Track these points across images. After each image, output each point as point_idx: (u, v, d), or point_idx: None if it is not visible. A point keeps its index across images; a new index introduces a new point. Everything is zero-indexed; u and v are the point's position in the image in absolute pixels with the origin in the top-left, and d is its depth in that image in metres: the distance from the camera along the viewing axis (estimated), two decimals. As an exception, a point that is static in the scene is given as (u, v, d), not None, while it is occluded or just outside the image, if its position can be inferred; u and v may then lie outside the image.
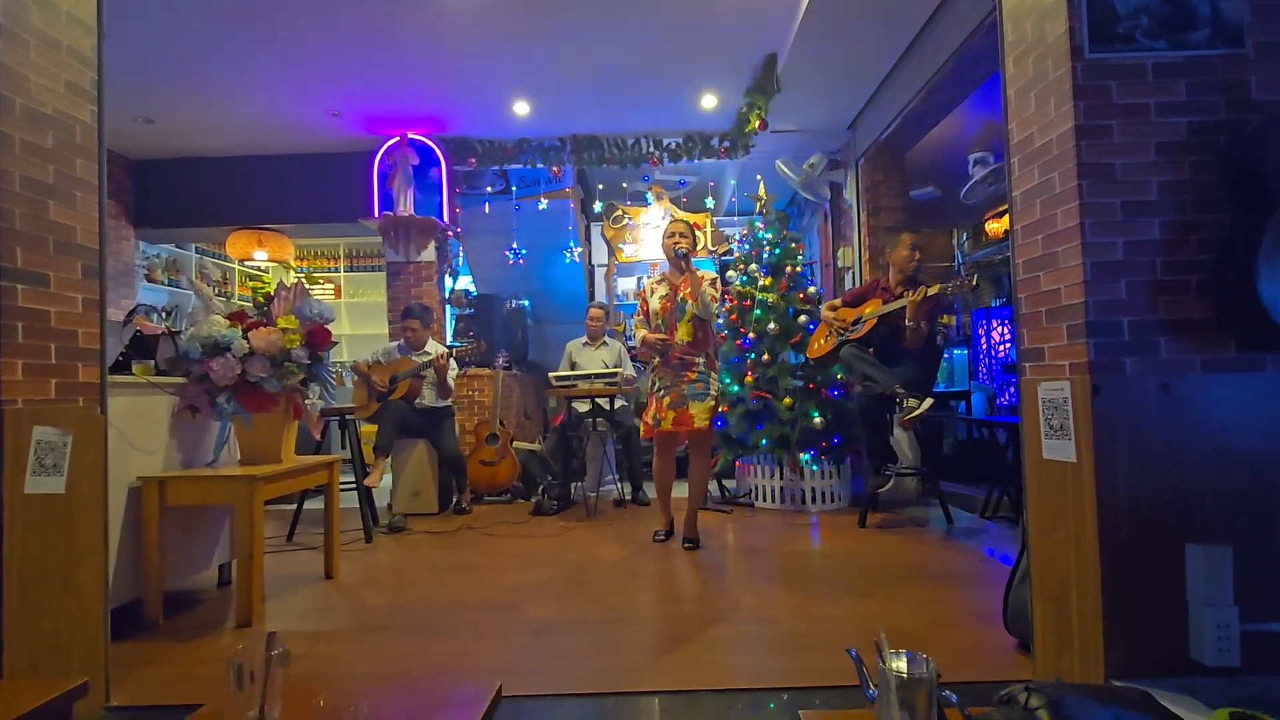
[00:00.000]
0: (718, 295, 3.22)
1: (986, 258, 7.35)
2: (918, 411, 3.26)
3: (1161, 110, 1.53)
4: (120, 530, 2.29)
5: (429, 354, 4.33)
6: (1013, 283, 1.80)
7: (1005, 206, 7.34)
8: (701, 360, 3.24)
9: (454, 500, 4.38)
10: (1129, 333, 1.52)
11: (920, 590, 2.53)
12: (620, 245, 6.57)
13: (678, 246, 3.22)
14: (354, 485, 3.71)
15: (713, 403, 3.19)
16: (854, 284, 4.76)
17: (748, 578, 2.73)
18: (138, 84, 4.13)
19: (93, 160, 1.79)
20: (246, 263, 6.66)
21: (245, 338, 2.62)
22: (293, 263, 7.04)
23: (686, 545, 3.22)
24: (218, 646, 2.16)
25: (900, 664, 0.97)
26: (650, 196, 6.15)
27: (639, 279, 6.77)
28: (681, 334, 3.22)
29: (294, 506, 3.86)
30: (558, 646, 2.08)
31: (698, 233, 3.62)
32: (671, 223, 3.34)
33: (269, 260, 5.64)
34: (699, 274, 3.16)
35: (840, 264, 4.94)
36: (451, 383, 4.28)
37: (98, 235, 1.79)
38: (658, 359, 3.30)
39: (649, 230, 6.50)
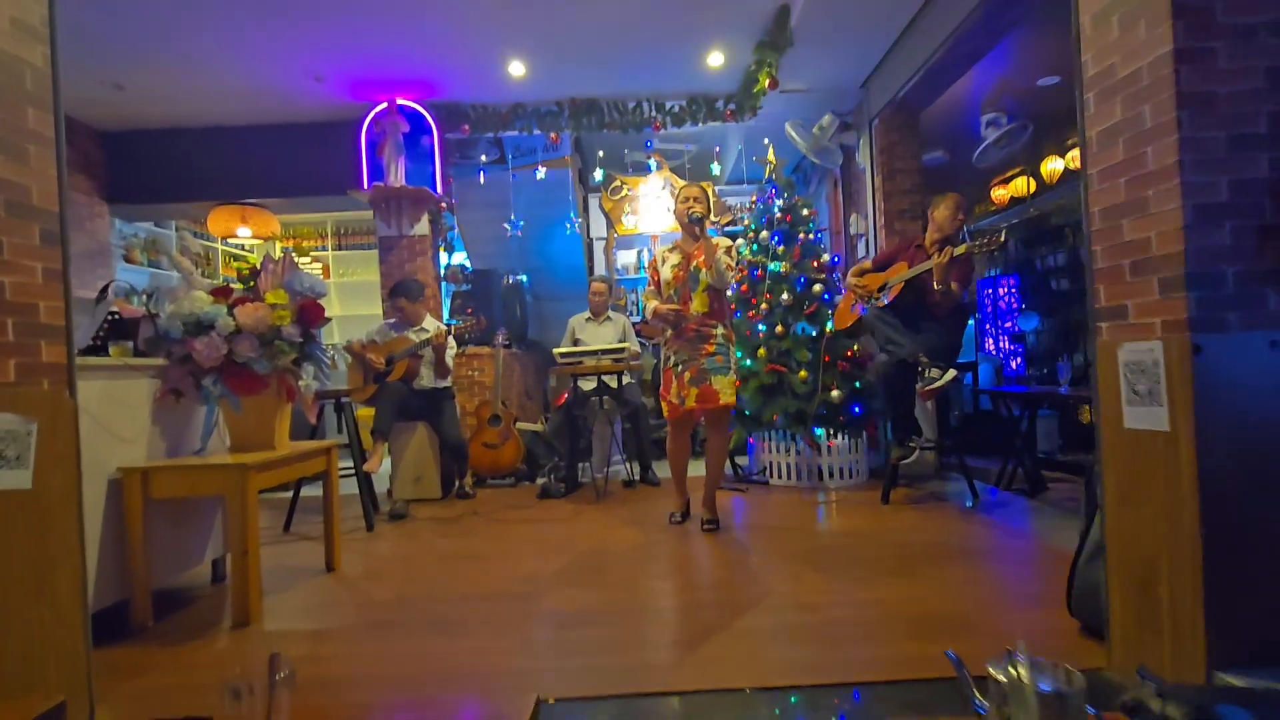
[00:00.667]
0: (733, 264, 3.02)
1: (992, 224, 7.18)
2: (939, 383, 3.10)
3: (1273, 30, 1.35)
4: (101, 526, 2.10)
5: (426, 330, 4.12)
6: (1086, 232, 1.62)
7: (1014, 171, 7.11)
8: (719, 331, 3.06)
9: (456, 485, 4.20)
10: (1233, 284, 1.35)
11: (960, 570, 2.39)
12: (620, 218, 6.34)
13: (691, 211, 3.02)
14: (353, 471, 3.52)
15: (734, 376, 3.03)
16: (867, 251, 4.57)
17: (776, 560, 2.58)
18: (106, 47, 3.84)
19: (47, 111, 1.57)
20: (229, 241, 6.39)
21: (231, 314, 2.42)
22: (279, 240, 6.79)
23: (706, 527, 3.07)
24: (214, 651, 1.99)
25: (1037, 677, 0.81)
26: (653, 164, 5.91)
27: (639, 252, 6.57)
28: (696, 305, 3.04)
29: (290, 495, 3.67)
30: (583, 642, 1.92)
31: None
32: (685, 187, 3.13)
33: (253, 237, 5.38)
34: (713, 241, 2.96)
35: (853, 230, 4.75)
36: (450, 362, 4.08)
37: (57, 197, 1.58)
38: (670, 331, 3.11)
39: (649, 201, 6.27)
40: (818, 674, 1.63)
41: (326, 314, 2.63)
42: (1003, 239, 3.17)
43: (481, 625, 2.08)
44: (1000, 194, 7.18)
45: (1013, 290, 7.01)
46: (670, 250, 3.19)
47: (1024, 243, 6.97)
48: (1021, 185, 7.08)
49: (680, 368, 3.06)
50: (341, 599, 2.41)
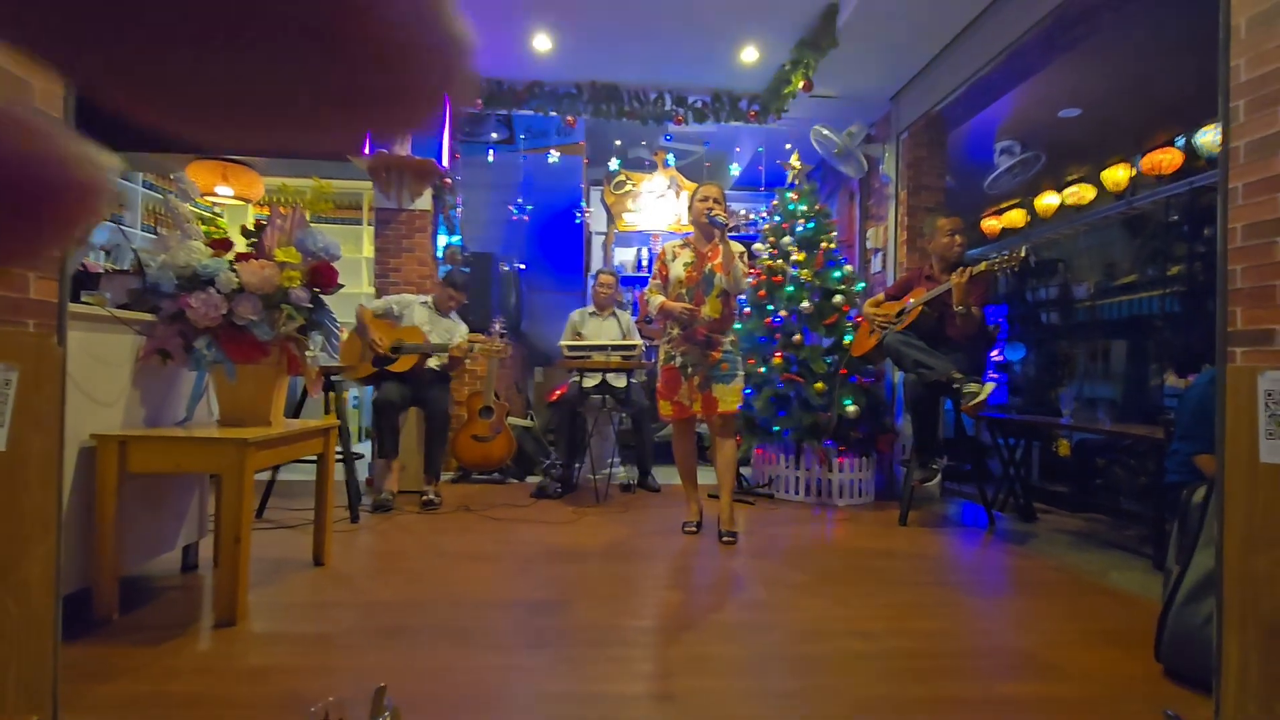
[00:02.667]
0: (748, 270, 2.90)
1: (982, 255, 7.24)
2: (980, 396, 3.00)
3: None
4: (69, 500, 1.80)
5: (448, 325, 3.83)
6: (1222, 250, 1.51)
7: (1009, 203, 7.17)
8: (729, 339, 2.95)
9: (424, 493, 3.60)
10: None
11: (1010, 601, 2.27)
12: (621, 213, 6.15)
13: (712, 212, 2.85)
14: (339, 455, 3.22)
15: (741, 384, 2.91)
16: (883, 266, 4.49)
17: (810, 581, 2.42)
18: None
19: None
20: (197, 201, 5.94)
21: (233, 270, 2.15)
22: (252, 208, 6.34)
23: (726, 539, 2.89)
24: (196, 653, 1.71)
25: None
26: (671, 158, 5.74)
27: (639, 250, 6.38)
28: (709, 309, 2.88)
29: (265, 476, 3.35)
30: (633, 662, 1.71)
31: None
32: (703, 186, 2.97)
33: (234, 198, 4.98)
34: (731, 246, 2.81)
35: (870, 244, 4.66)
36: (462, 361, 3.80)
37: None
38: (677, 330, 2.95)
39: (653, 199, 6.09)
40: (910, 713, 1.47)
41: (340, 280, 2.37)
42: (1024, 254, 3.10)
43: (511, 636, 1.85)
44: (992, 225, 7.25)
45: (1000, 320, 7.09)
46: (681, 247, 3.03)
47: (1015, 274, 7.06)
48: (1016, 217, 7.18)
49: (690, 370, 2.91)
50: (338, 598, 2.14)
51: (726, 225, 2.81)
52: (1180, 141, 5.02)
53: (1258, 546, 1.41)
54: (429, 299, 3.85)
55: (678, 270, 2.96)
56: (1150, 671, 1.72)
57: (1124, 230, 5.58)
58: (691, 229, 3.06)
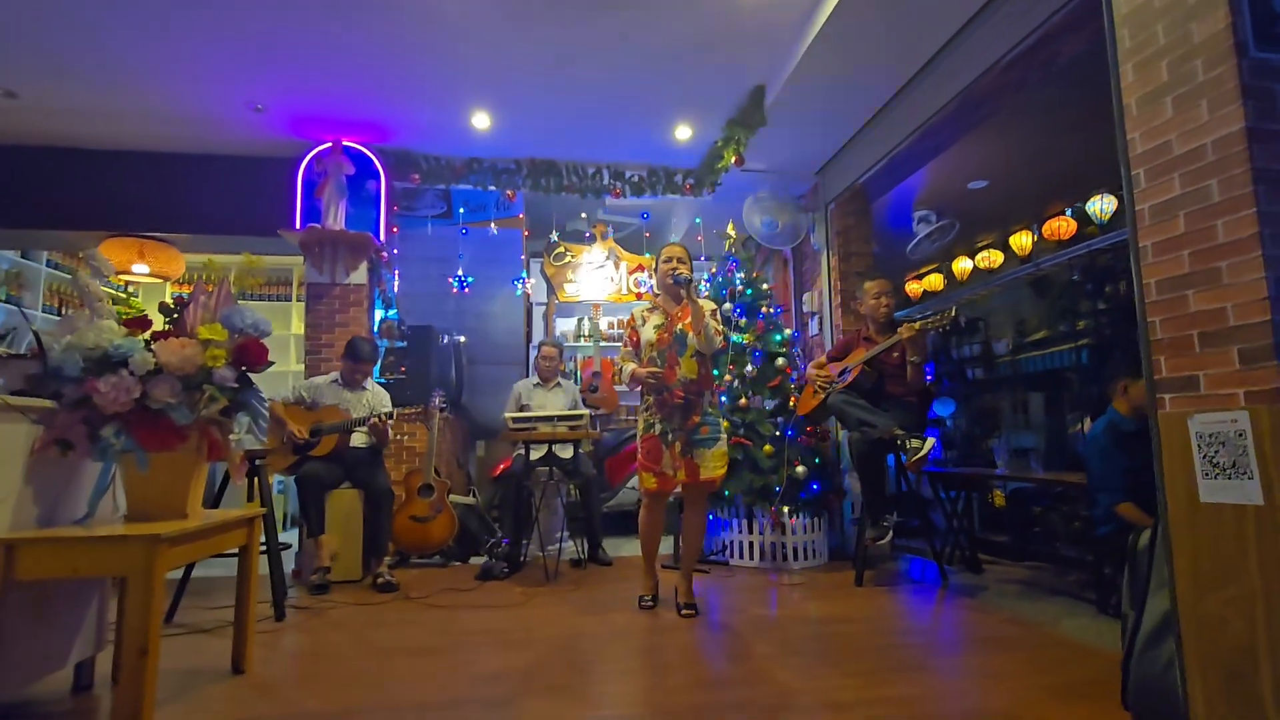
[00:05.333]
0: (721, 329, 2.89)
1: (906, 318, 7.63)
2: (923, 451, 3.07)
3: (1328, 117, 1.42)
4: (-64, 619, 1.55)
5: (365, 398, 3.70)
6: (1140, 304, 1.61)
7: (928, 268, 7.61)
8: (706, 399, 2.88)
9: (374, 573, 3.46)
10: (1318, 355, 1.34)
11: (976, 660, 2.24)
12: (561, 284, 6.18)
13: (676, 273, 2.88)
14: (263, 547, 2.96)
15: (725, 449, 2.84)
16: (820, 329, 4.64)
17: (775, 652, 2.33)
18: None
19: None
20: (110, 280, 5.61)
21: (149, 350, 1.99)
22: (170, 287, 6.03)
23: (685, 613, 2.78)
24: (88, 793, 1.47)
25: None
26: (610, 230, 5.86)
27: (579, 320, 6.39)
28: (685, 370, 2.84)
29: (176, 574, 3.03)
30: (596, 760, 1.57)
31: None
32: (666, 248, 3.01)
33: (151, 275, 4.72)
34: (700, 304, 2.82)
35: (807, 308, 4.82)
36: (388, 434, 3.67)
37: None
38: (651, 399, 2.90)
39: (591, 270, 6.17)
40: (896, 794, 1.39)
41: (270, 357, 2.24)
42: (954, 313, 3.27)
43: (459, 743, 1.67)
44: (914, 288, 7.68)
45: (929, 377, 7.40)
46: (650, 311, 3.02)
47: (940, 334, 7.44)
48: (935, 280, 7.64)
49: (670, 437, 2.83)
50: (260, 712, 1.90)
51: (689, 281, 2.83)
52: (1070, 212, 5.53)
53: (1208, 586, 1.45)
54: (337, 375, 3.73)
55: (649, 334, 2.92)
56: (1120, 722, 1.70)
57: (1033, 290, 6.00)
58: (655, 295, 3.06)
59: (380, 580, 3.39)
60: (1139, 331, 1.62)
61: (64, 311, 5.51)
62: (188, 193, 4.38)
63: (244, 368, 2.12)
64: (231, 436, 2.12)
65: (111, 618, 2.18)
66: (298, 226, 4.19)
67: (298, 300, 6.72)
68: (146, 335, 2.07)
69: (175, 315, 2.22)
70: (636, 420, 2.99)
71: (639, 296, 5.84)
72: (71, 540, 1.72)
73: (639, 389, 2.93)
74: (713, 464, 2.79)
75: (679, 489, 2.92)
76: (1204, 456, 1.46)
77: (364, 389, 3.74)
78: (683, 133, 4.24)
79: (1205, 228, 1.47)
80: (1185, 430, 1.49)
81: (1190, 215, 1.50)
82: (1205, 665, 1.46)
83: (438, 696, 1.98)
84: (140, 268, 4.59)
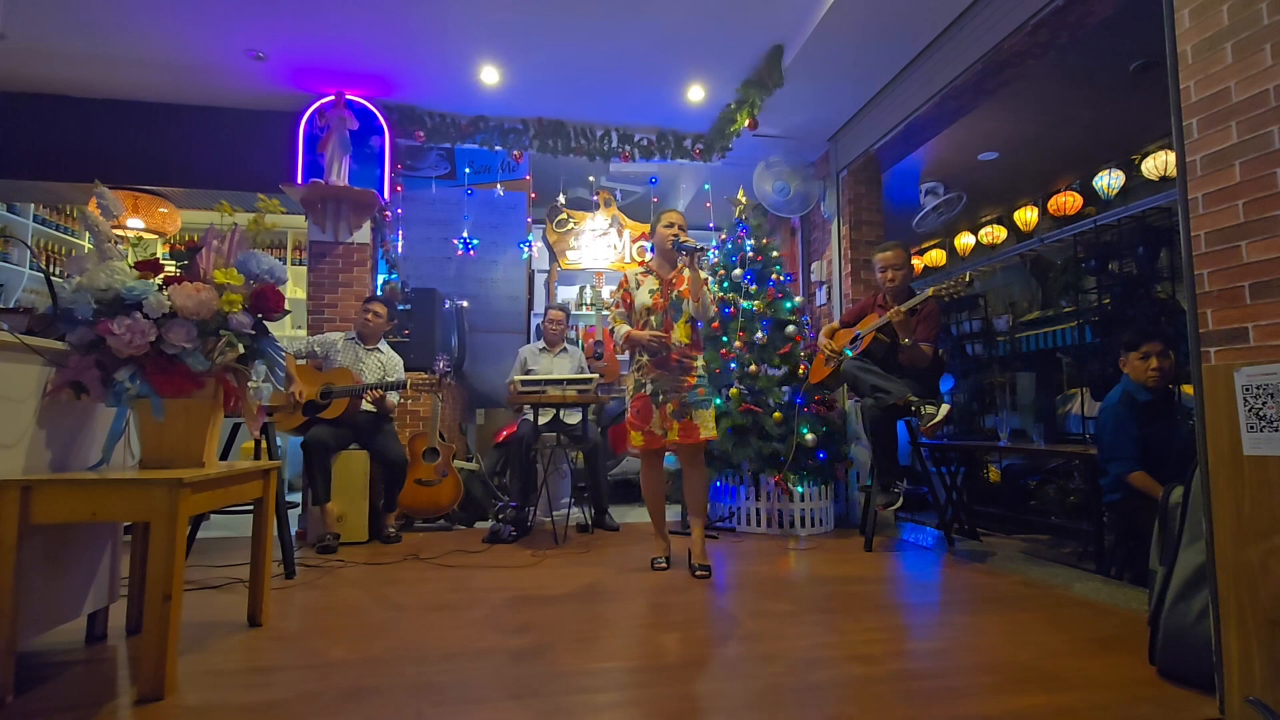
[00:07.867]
0: (715, 297, 2.90)
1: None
2: (938, 417, 3.07)
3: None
4: (-46, 560, 1.51)
5: (380, 359, 3.66)
6: (1186, 257, 1.59)
7: (930, 243, 7.59)
8: (699, 363, 2.92)
9: (382, 526, 3.62)
10: (1374, 306, 1.33)
11: (995, 618, 2.25)
12: (564, 251, 6.10)
13: (679, 239, 2.85)
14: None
15: (713, 409, 2.87)
16: (828, 299, 4.61)
17: (796, 610, 2.34)
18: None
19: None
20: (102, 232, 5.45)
21: (164, 293, 1.93)
22: (162, 244, 5.87)
23: (699, 574, 2.78)
24: (118, 736, 1.44)
25: None
26: (618, 194, 5.77)
27: (581, 288, 6.33)
28: (679, 334, 2.87)
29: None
30: (635, 706, 1.57)
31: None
32: (667, 213, 2.98)
33: (145, 231, 4.59)
34: (700, 272, 2.80)
35: (815, 277, 4.79)
36: (395, 400, 3.64)
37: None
38: (646, 359, 2.89)
39: (594, 237, 6.09)
40: (939, 737, 1.40)
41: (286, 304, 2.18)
42: (969, 279, 3.24)
43: (497, 689, 1.66)
44: (915, 263, 7.67)
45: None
46: (644, 275, 3.01)
47: (941, 309, 7.45)
48: (937, 256, 7.63)
49: (661, 398, 2.85)
50: (283, 661, 1.88)
51: (697, 249, 2.79)
52: (1077, 185, 5.52)
53: (1249, 538, 1.45)
54: (353, 333, 3.68)
55: (644, 297, 2.93)
56: (1148, 674, 1.72)
57: (1036, 266, 6.01)
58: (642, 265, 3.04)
59: (382, 533, 3.56)
60: (1184, 284, 1.60)
61: (51, 269, 5.35)
62: (184, 145, 4.24)
63: (259, 315, 2.07)
64: (250, 384, 2.07)
65: (123, 572, 2.14)
66: (300, 182, 4.08)
67: (292, 264, 6.58)
68: (159, 279, 2.00)
69: (186, 261, 2.15)
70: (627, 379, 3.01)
71: (643, 265, 5.79)
72: (90, 483, 1.67)
73: (629, 351, 2.94)
74: (709, 424, 2.85)
75: (674, 450, 2.94)
76: (1250, 409, 1.45)
77: (378, 349, 3.70)
78: (695, 94, 4.15)
79: (1263, 176, 1.44)
80: (1230, 383, 1.48)
81: (1247, 164, 1.48)
82: (1243, 614, 1.46)
83: (463, 647, 1.96)
84: (135, 222, 4.46)
